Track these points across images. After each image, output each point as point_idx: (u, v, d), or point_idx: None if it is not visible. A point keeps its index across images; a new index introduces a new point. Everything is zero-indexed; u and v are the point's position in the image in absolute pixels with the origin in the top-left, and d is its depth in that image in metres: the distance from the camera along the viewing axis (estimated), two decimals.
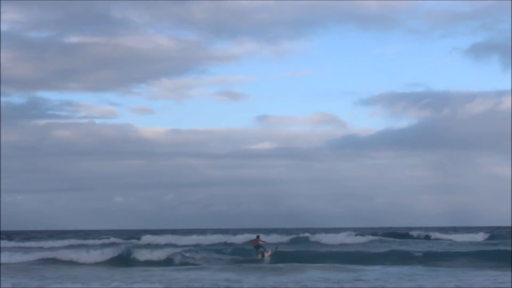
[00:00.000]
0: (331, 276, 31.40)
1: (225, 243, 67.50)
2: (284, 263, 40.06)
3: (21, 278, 32.03)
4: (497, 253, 43.20)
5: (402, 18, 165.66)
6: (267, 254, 43.33)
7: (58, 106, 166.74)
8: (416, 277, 30.66)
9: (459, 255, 43.26)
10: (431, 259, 41.66)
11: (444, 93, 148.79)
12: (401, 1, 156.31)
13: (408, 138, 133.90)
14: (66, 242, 72.92)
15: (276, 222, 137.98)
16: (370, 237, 70.51)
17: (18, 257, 45.50)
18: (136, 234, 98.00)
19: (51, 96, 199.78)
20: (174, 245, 57.79)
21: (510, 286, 26.98)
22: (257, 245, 44.03)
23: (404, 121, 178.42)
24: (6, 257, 44.69)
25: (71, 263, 43.55)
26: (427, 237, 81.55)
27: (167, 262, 42.72)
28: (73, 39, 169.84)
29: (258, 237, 45.27)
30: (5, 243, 71.50)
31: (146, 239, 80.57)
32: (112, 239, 79.14)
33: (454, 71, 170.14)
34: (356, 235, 74.32)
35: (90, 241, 75.58)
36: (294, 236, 74.15)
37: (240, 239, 72.52)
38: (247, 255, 45.27)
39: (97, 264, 43.07)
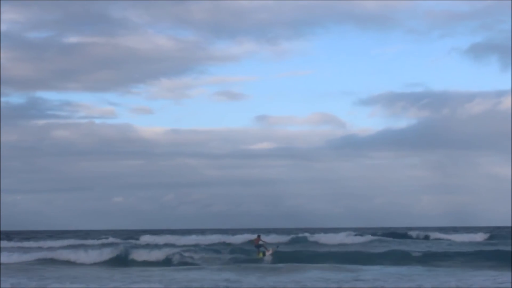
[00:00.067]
0: (331, 276, 31.40)
1: (224, 243, 67.52)
2: (284, 263, 40.05)
3: (20, 278, 32.03)
4: (496, 253, 43.18)
5: (401, 18, 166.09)
6: (268, 253, 43.44)
7: (57, 106, 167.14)
8: (415, 277, 30.65)
9: (458, 255, 43.25)
10: (430, 259, 41.65)
11: (444, 93, 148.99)
12: (400, 1, 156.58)
13: (407, 138, 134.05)
14: (65, 242, 72.98)
15: (276, 222, 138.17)
16: (369, 237, 70.54)
17: (17, 257, 45.51)
18: (135, 234, 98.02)
19: (50, 96, 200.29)
20: (173, 245, 57.81)
21: (509, 286, 26.97)
22: (258, 244, 44.16)
23: (403, 121, 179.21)
24: (5, 257, 44.71)
25: (70, 263, 43.55)
26: (426, 237, 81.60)
27: (166, 262, 42.70)
28: (73, 39, 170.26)
29: (259, 236, 45.43)
30: (4, 243, 71.47)
31: (145, 239, 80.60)
32: (112, 239, 79.15)
33: (453, 71, 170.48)
34: (355, 235, 74.37)
35: (89, 241, 75.58)
36: (293, 236, 74.18)
37: (239, 239, 72.54)
38: (246, 255, 45.27)
39: (96, 264, 43.07)
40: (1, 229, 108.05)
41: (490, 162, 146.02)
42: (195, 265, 40.73)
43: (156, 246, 55.83)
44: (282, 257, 42.88)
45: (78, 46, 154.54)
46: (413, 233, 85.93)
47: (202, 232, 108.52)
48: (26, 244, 72.97)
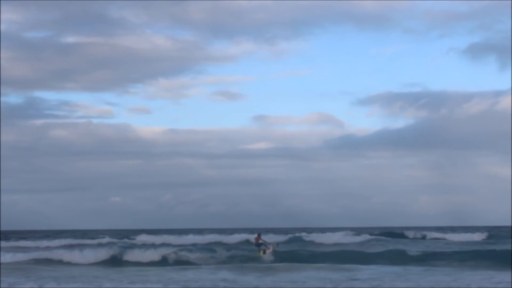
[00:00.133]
0: (328, 276, 31.44)
1: (221, 243, 67.54)
2: (281, 263, 40.14)
3: (18, 277, 32.03)
4: (493, 253, 43.25)
5: (399, 18, 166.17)
6: (268, 251, 44.03)
7: (55, 106, 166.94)
8: (412, 277, 30.69)
9: (455, 254, 43.28)
10: (427, 258, 41.69)
11: (442, 93, 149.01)
12: (398, 1, 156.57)
13: (405, 138, 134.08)
14: (62, 241, 72.99)
15: (274, 222, 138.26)
16: (367, 237, 70.58)
17: (14, 257, 45.43)
18: (132, 234, 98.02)
19: (48, 96, 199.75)
20: (170, 245, 57.79)
21: (507, 286, 26.98)
22: (258, 243, 44.51)
23: (401, 121, 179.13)
24: (2, 257, 44.63)
25: (67, 262, 43.51)
26: (424, 237, 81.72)
27: (163, 261, 42.72)
28: (70, 39, 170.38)
29: (259, 235, 45.97)
30: (1, 243, 71.41)
31: (142, 238, 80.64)
32: (109, 239, 79.15)
33: (451, 71, 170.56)
34: (353, 235, 74.43)
35: (86, 241, 75.61)
36: (291, 235, 74.23)
37: (236, 238, 72.61)
38: (243, 254, 45.29)
39: (93, 264, 43.04)
40: (0, 229, 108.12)
41: (488, 162, 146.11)
42: (192, 264, 40.76)
43: (153, 246, 55.81)
44: (280, 257, 43.00)
45: (76, 46, 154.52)
46: (410, 233, 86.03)
47: (199, 232, 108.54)
48: (23, 243, 72.95)
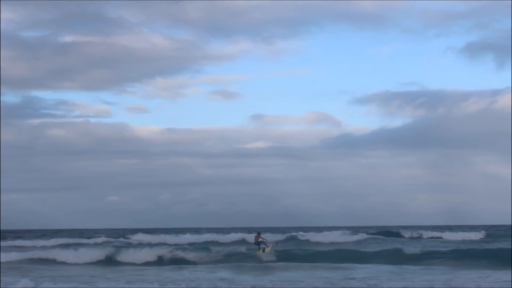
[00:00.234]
0: (324, 275, 31.46)
1: (218, 242, 67.55)
2: (278, 262, 40.14)
3: (15, 277, 31.97)
4: (489, 252, 43.28)
5: (396, 17, 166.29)
6: (267, 249, 44.32)
7: (52, 105, 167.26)
8: (408, 276, 30.70)
9: (452, 253, 43.27)
10: (424, 257, 41.70)
11: (439, 92, 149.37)
12: (395, 1, 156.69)
13: (402, 137, 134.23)
14: (59, 241, 72.95)
15: (271, 221, 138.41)
16: (363, 236, 70.61)
17: (10, 256, 45.35)
18: (129, 233, 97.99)
19: (45, 95, 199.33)
20: (167, 244, 57.75)
21: (501, 285, 26.98)
22: (257, 241, 44.74)
23: (398, 120, 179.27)
24: None
25: (63, 262, 43.41)
26: (421, 236, 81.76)
27: (159, 261, 42.66)
28: (68, 38, 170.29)
29: (259, 233, 46.37)
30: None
31: (139, 238, 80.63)
32: (105, 238, 79.06)
33: (448, 70, 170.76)
34: (350, 234, 74.46)
35: (82, 240, 75.55)
36: (288, 235, 74.23)
37: (233, 237, 72.58)
38: (240, 253, 45.29)
39: (89, 263, 42.95)
40: None
41: (485, 161, 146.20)
42: (188, 264, 40.74)
43: (150, 245, 55.80)
44: (277, 256, 43.03)
45: (73, 45, 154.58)
46: (407, 232, 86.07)
47: (197, 231, 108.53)
48: (19, 243, 72.83)
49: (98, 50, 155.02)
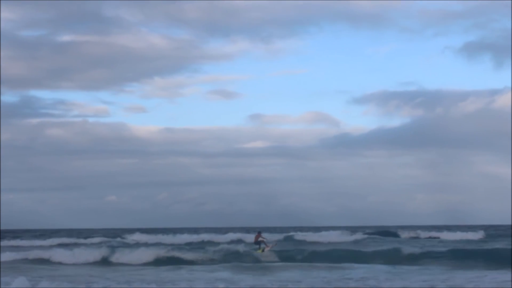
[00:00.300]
0: (322, 275, 31.45)
1: (216, 242, 67.46)
2: (276, 262, 40.14)
3: (13, 277, 31.90)
4: (487, 252, 43.27)
5: (395, 17, 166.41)
6: (267, 249, 44.63)
7: (51, 105, 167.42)
8: (406, 275, 30.70)
9: (450, 253, 43.29)
10: (422, 257, 41.72)
11: (437, 91, 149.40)
12: (394, 1, 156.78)
13: (401, 136, 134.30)
14: (56, 241, 72.91)
15: (269, 221, 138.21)
16: (361, 236, 70.62)
17: (8, 256, 45.31)
18: (127, 233, 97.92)
19: (44, 94, 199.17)
20: (165, 244, 57.73)
21: (499, 286, 26.96)
22: (258, 241, 44.88)
23: (397, 119, 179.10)
24: None
25: (60, 262, 43.35)
26: (419, 236, 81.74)
27: (157, 260, 42.59)
28: (66, 37, 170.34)
29: (259, 233, 46.38)
30: None
31: (137, 237, 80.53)
32: (103, 238, 79.00)
33: (447, 70, 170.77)
34: (348, 233, 74.49)
35: (79, 240, 75.48)
36: (286, 234, 74.20)
37: (231, 237, 72.49)
38: (238, 253, 45.26)
39: (86, 263, 42.89)
40: None
41: (484, 161, 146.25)
42: (186, 263, 40.71)
43: (147, 245, 55.77)
44: (275, 256, 43.03)
45: (71, 45, 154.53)
46: (406, 232, 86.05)
47: (195, 231, 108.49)
48: (17, 242, 72.77)
49: (97, 49, 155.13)
